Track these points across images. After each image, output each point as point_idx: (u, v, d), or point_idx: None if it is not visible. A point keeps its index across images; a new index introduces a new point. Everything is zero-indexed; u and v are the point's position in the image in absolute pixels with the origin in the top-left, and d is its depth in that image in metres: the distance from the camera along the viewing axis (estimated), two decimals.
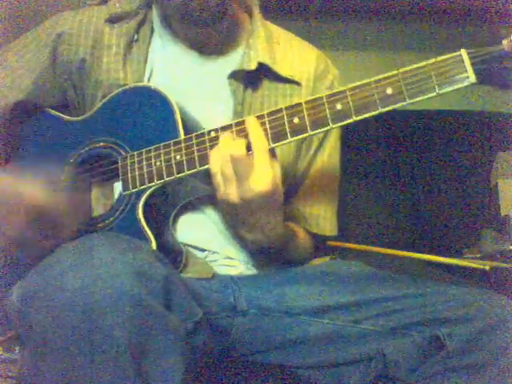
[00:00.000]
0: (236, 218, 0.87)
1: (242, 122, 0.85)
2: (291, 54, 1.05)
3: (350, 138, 1.88)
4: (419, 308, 0.84)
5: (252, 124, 0.83)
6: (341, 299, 0.89)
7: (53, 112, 1.04)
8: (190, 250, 0.97)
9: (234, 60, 1.02)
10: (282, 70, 1.01)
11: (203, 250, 0.98)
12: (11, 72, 1.03)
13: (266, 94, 1.01)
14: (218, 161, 0.82)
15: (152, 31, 1.03)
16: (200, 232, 0.98)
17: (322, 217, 1.08)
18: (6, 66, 1.04)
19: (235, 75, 0.99)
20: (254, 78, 1.00)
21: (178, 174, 0.88)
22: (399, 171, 1.91)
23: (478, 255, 1.67)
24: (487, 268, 1.45)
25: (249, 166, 0.80)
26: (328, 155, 1.09)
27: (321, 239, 1.11)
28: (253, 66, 0.98)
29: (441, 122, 1.98)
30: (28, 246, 0.89)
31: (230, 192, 0.82)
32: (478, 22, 2.05)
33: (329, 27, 2.11)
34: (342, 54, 2.11)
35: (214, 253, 0.98)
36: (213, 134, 0.87)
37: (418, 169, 1.91)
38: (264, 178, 0.80)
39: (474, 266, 1.49)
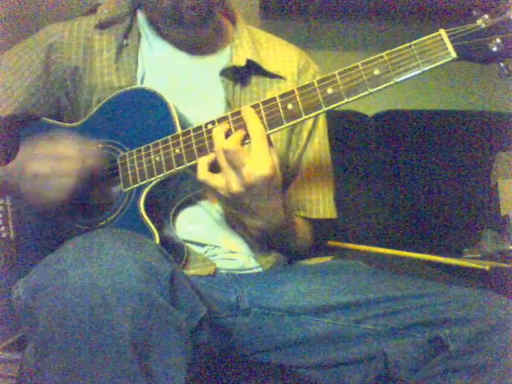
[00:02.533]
0: (238, 206, 0.89)
1: (238, 113, 0.88)
2: (274, 52, 1.10)
3: (351, 138, 1.90)
4: (419, 308, 0.84)
5: (248, 112, 0.86)
6: (341, 299, 0.90)
7: (49, 120, 1.05)
8: (190, 245, 0.97)
9: (221, 59, 1.06)
10: (269, 67, 1.06)
11: (203, 245, 0.99)
12: (6, 80, 1.04)
13: (255, 89, 1.05)
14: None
15: (139, 35, 1.06)
16: (200, 227, 0.99)
17: (321, 201, 1.10)
18: (0, 75, 1.05)
19: (226, 72, 1.03)
20: (242, 74, 1.05)
21: (177, 167, 0.90)
22: (399, 171, 1.91)
23: (478, 255, 1.67)
24: (487, 268, 1.45)
25: (242, 155, 0.83)
26: (318, 143, 1.12)
27: (322, 224, 1.12)
28: (242, 62, 1.03)
29: (441, 122, 1.98)
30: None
31: (230, 181, 0.84)
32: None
33: (329, 27, 2.11)
34: (341, 53, 2.12)
35: (214, 247, 0.99)
36: (210, 126, 0.89)
37: (418, 169, 1.91)
38: (263, 162, 0.83)
39: (473, 266, 1.49)
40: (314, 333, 0.89)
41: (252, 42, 1.07)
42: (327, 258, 1.10)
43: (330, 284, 0.93)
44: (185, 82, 1.04)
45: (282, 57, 1.10)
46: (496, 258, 1.63)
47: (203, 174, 0.86)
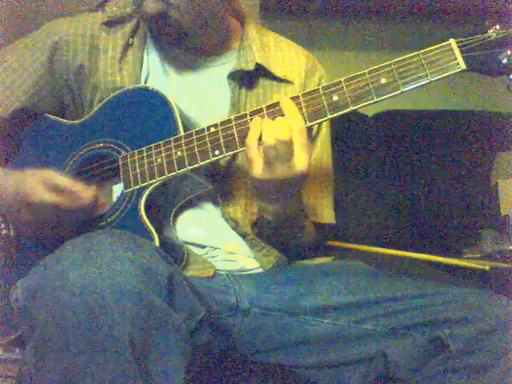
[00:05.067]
0: (262, 192, 0.89)
1: (242, 117, 0.87)
2: (282, 55, 1.09)
3: (350, 137, 1.89)
4: (419, 309, 0.85)
5: (288, 104, 0.84)
6: (341, 299, 0.90)
7: (52, 117, 1.05)
8: (191, 247, 0.97)
9: (228, 61, 1.05)
10: (276, 71, 1.05)
11: (204, 247, 0.98)
12: (8, 79, 1.03)
13: (261, 92, 1.04)
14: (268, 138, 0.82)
15: (146, 35, 1.05)
16: (200, 229, 0.99)
17: (319, 206, 1.10)
18: (1, 74, 1.04)
19: (233, 75, 1.02)
20: (250, 77, 1.03)
21: (179, 169, 0.89)
22: (399, 171, 1.91)
23: (478, 255, 1.67)
24: (487, 268, 1.46)
25: (291, 148, 0.82)
26: (320, 149, 1.11)
27: (319, 228, 1.12)
28: (251, 66, 1.02)
29: (441, 122, 1.98)
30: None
31: (268, 170, 0.83)
32: (477, 22, 2.05)
33: (329, 27, 2.11)
34: (341, 53, 2.12)
35: (214, 249, 0.99)
36: (212, 129, 0.89)
37: (418, 169, 1.91)
38: (303, 158, 0.82)
39: (474, 266, 1.49)
40: (314, 333, 0.89)
41: (261, 45, 1.06)
42: (327, 259, 1.10)
43: (329, 284, 0.93)
44: (189, 83, 1.03)
45: (290, 60, 1.09)
46: (496, 258, 1.63)
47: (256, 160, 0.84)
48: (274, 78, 1.05)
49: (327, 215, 1.11)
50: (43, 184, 0.86)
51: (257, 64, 1.02)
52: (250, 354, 0.94)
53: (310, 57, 1.13)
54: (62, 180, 0.87)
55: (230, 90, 1.02)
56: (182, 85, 1.03)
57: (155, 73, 1.03)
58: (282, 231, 1.00)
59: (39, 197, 0.85)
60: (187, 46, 1.02)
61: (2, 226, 1.00)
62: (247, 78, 1.03)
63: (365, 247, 1.64)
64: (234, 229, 0.99)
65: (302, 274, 0.98)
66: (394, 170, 1.91)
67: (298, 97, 0.85)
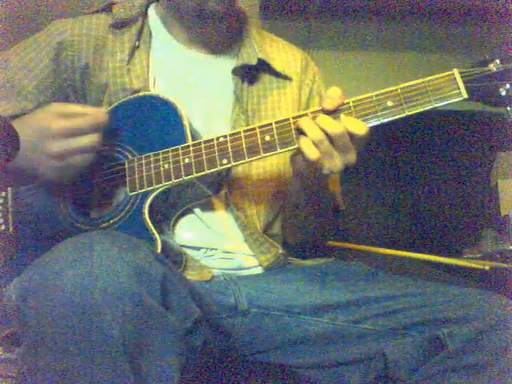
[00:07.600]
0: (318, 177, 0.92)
1: (249, 130, 0.89)
2: (278, 52, 1.13)
3: None
4: (419, 308, 0.85)
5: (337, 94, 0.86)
6: (341, 299, 0.90)
7: None
8: (187, 250, 0.97)
9: (230, 57, 1.08)
10: (277, 66, 1.09)
11: (199, 248, 0.99)
12: (14, 79, 1.04)
13: (262, 87, 1.08)
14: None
15: (151, 35, 1.07)
16: (193, 233, 0.99)
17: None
18: (7, 75, 1.04)
19: (238, 70, 1.04)
20: (252, 72, 1.07)
21: (185, 176, 0.90)
22: (399, 171, 1.91)
23: (478, 255, 1.68)
24: (487, 268, 1.46)
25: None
26: None
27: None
28: (254, 61, 1.05)
29: (441, 122, 1.98)
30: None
31: (335, 163, 0.86)
32: (477, 22, 2.05)
33: (329, 27, 2.11)
34: (342, 53, 2.11)
35: (211, 249, 0.99)
36: (221, 139, 0.90)
37: (418, 169, 1.91)
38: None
39: (474, 266, 1.49)
40: (314, 333, 0.89)
41: (260, 42, 1.09)
42: (327, 259, 1.10)
43: (329, 284, 0.93)
44: (195, 80, 1.05)
45: (286, 57, 1.13)
46: (496, 258, 1.63)
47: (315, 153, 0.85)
48: (274, 73, 1.08)
49: (340, 202, 1.16)
50: (55, 114, 0.87)
51: (259, 59, 1.05)
52: (249, 354, 0.94)
53: (304, 55, 1.18)
54: (72, 106, 0.89)
55: (233, 85, 1.04)
56: (189, 82, 1.04)
57: (162, 73, 1.05)
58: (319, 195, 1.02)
59: (56, 125, 0.85)
60: (199, 38, 1.05)
61: (1, 221, 1.00)
62: (249, 73, 1.06)
63: (365, 247, 1.64)
64: (241, 224, 1.00)
65: (302, 273, 0.98)
66: (394, 170, 1.91)
67: (306, 114, 0.87)
